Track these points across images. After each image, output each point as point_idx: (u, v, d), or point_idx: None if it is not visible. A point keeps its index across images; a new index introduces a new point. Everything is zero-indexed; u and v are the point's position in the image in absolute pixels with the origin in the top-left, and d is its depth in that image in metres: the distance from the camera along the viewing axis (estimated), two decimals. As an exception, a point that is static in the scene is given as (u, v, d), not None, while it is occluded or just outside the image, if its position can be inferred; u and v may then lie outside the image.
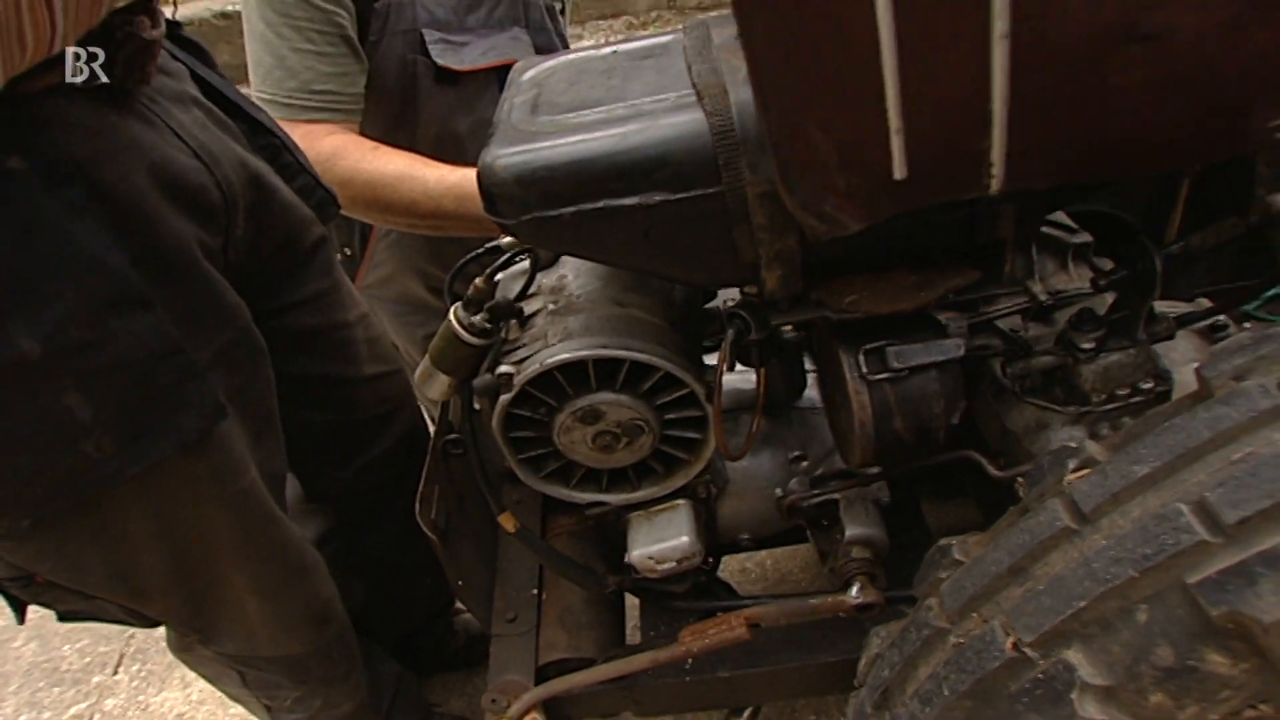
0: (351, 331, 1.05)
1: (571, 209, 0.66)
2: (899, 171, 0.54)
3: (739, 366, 0.87)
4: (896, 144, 0.53)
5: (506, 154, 0.68)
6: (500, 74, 1.29)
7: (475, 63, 1.25)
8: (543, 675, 0.98)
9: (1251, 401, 0.52)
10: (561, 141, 0.67)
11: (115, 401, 0.72)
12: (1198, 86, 0.54)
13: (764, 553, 1.70)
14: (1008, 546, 0.61)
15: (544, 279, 0.90)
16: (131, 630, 1.84)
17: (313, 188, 0.96)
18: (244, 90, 0.98)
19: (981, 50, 0.49)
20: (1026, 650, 0.57)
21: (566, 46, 1.45)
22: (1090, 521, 0.57)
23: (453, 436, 1.04)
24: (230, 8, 3.91)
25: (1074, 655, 0.55)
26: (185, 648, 1.08)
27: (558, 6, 1.44)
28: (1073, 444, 0.63)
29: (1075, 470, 0.61)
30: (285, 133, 0.96)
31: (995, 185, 0.57)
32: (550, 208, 0.67)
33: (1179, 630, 0.51)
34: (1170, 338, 0.89)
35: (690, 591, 1.01)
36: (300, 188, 0.95)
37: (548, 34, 1.38)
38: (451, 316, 0.84)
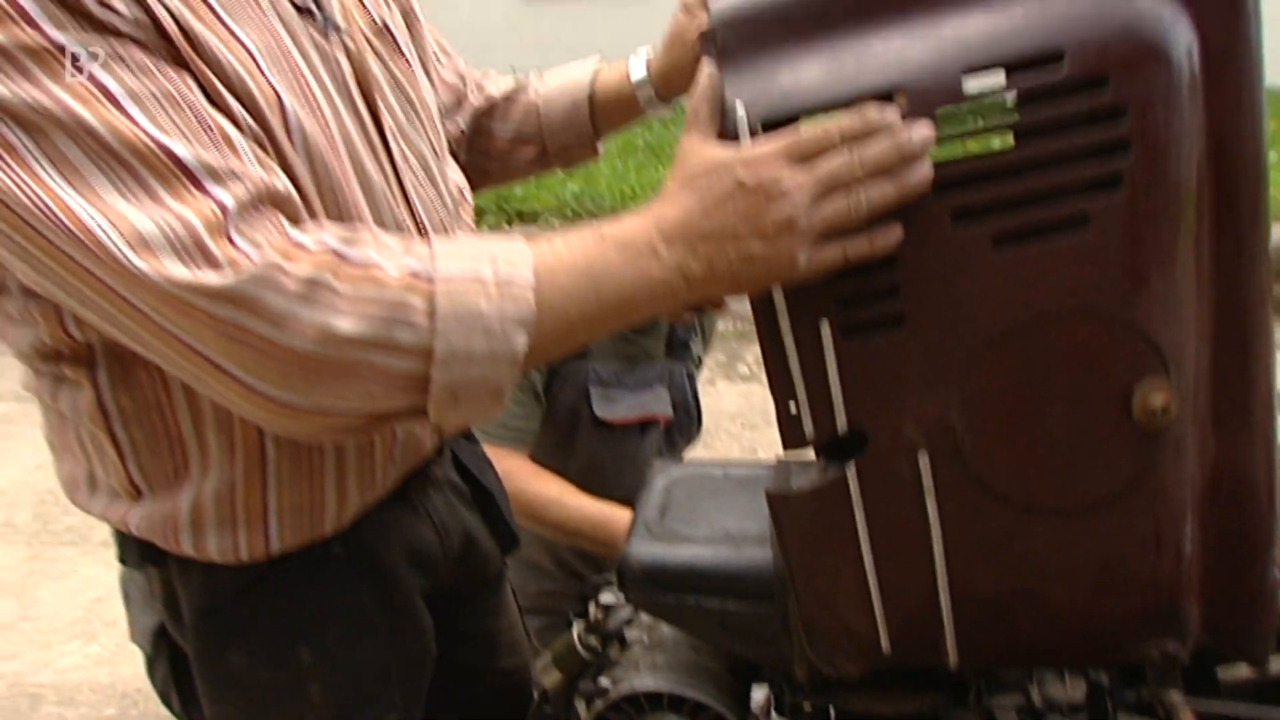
0: (499, 636, 1.36)
1: (674, 598, 1.01)
2: (885, 647, 0.86)
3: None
4: (883, 632, 0.84)
5: (642, 551, 1.04)
6: (643, 425, 1.71)
7: (624, 415, 1.67)
8: None
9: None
10: (674, 549, 1.03)
11: (337, 693, 1.02)
12: (1080, 628, 0.85)
13: None
14: None
15: (644, 615, 1.23)
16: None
17: (505, 532, 1.26)
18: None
19: (933, 589, 0.82)
20: None
21: (697, 400, 1.87)
22: None
23: (546, 707, 1.35)
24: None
25: None
26: None
27: (696, 370, 1.88)
28: None
29: None
30: (500, 489, 1.29)
31: (952, 662, 0.88)
32: (661, 594, 1.01)
33: None
34: (1121, 758, 1.13)
35: None
36: (497, 532, 1.26)
37: (683, 392, 1.81)
38: (574, 633, 1.18)
